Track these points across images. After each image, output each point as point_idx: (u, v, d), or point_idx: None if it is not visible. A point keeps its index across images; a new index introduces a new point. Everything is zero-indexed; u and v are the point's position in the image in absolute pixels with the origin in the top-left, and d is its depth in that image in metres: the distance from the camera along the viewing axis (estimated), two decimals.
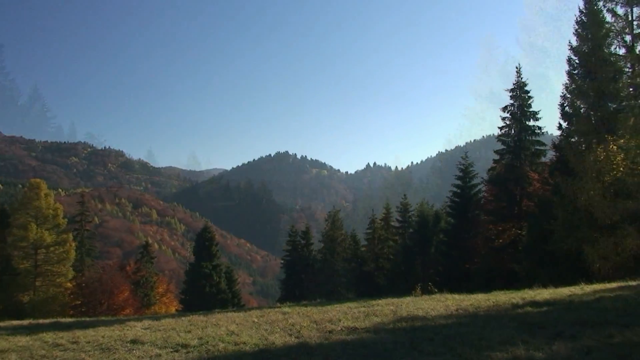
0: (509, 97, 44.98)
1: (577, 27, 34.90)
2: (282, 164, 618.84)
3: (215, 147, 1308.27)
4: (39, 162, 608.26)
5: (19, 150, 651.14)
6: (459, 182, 51.31)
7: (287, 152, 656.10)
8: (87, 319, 27.89)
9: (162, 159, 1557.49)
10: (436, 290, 29.95)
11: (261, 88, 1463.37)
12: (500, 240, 44.23)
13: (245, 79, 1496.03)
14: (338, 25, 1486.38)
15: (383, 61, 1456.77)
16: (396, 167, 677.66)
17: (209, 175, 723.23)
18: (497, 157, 46.62)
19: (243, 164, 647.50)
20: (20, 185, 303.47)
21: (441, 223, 54.08)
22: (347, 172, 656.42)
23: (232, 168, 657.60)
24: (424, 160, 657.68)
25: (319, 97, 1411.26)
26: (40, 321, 24.19)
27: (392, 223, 63.70)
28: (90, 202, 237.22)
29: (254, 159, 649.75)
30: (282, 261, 72.63)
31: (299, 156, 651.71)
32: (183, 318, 20.40)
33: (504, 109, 45.17)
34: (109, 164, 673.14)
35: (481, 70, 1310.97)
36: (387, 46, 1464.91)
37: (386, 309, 18.31)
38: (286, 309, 20.99)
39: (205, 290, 60.41)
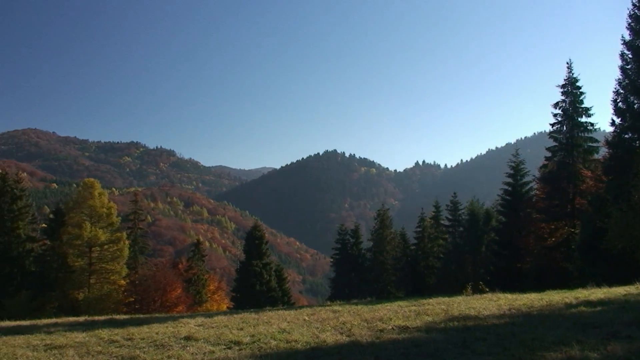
0: (559, 94, 44.16)
1: (630, 21, 33.98)
2: (330, 163, 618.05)
3: (265, 146, 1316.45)
4: (92, 162, 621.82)
5: (74, 151, 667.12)
6: (509, 179, 50.66)
7: (335, 150, 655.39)
8: (141, 316, 28.37)
9: (212, 158, 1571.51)
10: (487, 290, 29.68)
11: (310, 87, 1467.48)
12: (553, 239, 43.57)
13: (294, 78, 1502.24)
14: (392, 24, 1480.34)
15: (433, 60, 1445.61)
16: (445, 164, 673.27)
17: (258, 174, 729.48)
18: (548, 154, 45.83)
19: (292, 163, 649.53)
20: (74, 185, 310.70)
21: (492, 221, 53.49)
22: (395, 171, 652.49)
23: (281, 167, 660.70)
24: (473, 157, 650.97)
25: (368, 95, 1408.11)
26: (96, 318, 24.70)
27: (442, 221, 63.24)
28: (143, 201, 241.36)
29: (302, 158, 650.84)
30: (332, 260, 72.82)
31: (347, 154, 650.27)
32: (235, 315, 20.59)
33: (555, 105, 44.34)
34: (161, 164, 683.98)
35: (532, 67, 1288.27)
36: (438, 46, 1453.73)
37: (437, 308, 18.22)
38: (336, 308, 21.05)
39: (256, 288, 60.88)
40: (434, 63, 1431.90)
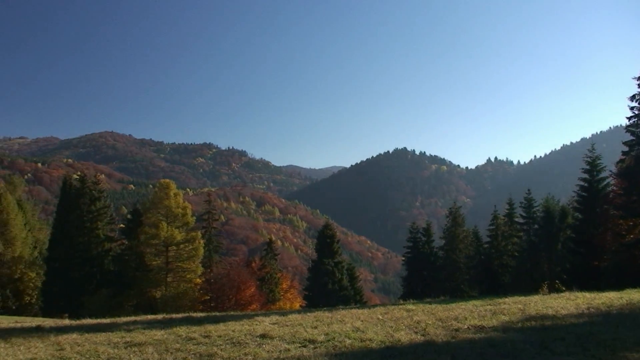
0: (636, 86, 42.64)
1: None
2: (400, 161, 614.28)
3: (335, 145, 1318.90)
4: (167, 163, 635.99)
5: (149, 152, 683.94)
6: (585, 175, 49.32)
7: (405, 148, 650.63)
8: (217, 313, 28.86)
9: (283, 158, 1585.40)
10: (564, 288, 29.07)
11: (378, 84, 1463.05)
12: (631, 236, 42.16)
13: (362, 76, 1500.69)
14: (464, 20, 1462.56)
15: (505, 55, 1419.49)
16: (518, 161, 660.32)
17: (328, 173, 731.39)
18: (625, 148, 44.38)
19: (362, 161, 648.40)
20: (150, 186, 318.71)
21: (568, 218, 52.19)
22: (467, 168, 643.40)
23: (352, 165, 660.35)
24: (547, 153, 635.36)
25: (437, 91, 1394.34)
26: (173, 315, 25.26)
27: (516, 219, 62.03)
28: (216, 201, 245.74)
29: (372, 156, 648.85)
30: (403, 258, 72.35)
31: (417, 152, 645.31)
32: (308, 314, 20.77)
33: (632, 98, 42.79)
34: (233, 164, 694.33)
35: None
36: (511, 42, 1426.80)
37: (514, 308, 17.98)
38: (410, 307, 20.98)
39: (328, 287, 61.10)
40: (505, 59, 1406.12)
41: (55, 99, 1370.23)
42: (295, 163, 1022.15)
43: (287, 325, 17.15)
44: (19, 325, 23.19)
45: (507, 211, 63.23)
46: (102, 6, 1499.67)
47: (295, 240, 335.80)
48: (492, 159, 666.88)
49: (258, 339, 14.83)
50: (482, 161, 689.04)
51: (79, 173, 75.41)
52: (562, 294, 22.77)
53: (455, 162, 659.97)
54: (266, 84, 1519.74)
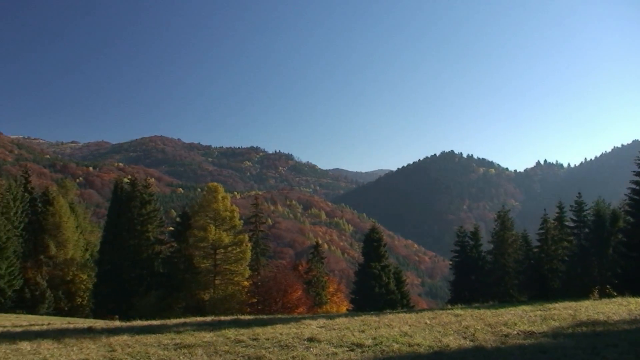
0: None
1: None
2: (447, 164, 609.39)
3: (381, 149, 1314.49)
4: (215, 167, 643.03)
5: (197, 156, 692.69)
6: (637, 178, 48.26)
7: (452, 151, 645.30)
8: (264, 316, 29.00)
9: (329, 162, 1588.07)
10: (615, 294, 28.52)
11: (426, 87, 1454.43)
12: None
13: (409, 79, 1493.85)
14: (512, 24, 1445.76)
15: (554, 57, 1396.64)
16: (568, 163, 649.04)
17: (374, 176, 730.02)
18: None
19: (408, 165, 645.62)
20: (199, 189, 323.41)
21: (619, 222, 51.11)
22: (515, 171, 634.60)
23: (398, 169, 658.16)
24: (598, 156, 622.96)
25: (484, 93, 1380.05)
26: (222, 318, 25.42)
27: (566, 223, 60.99)
28: (263, 204, 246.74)
29: (419, 159, 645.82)
30: (451, 262, 71.67)
31: (464, 155, 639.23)
32: (356, 318, 20.75)
33: None
34: (280, 167, 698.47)
35: None
36: (560, 43, 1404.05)
37: (564, 313, 17.72)
38: (458, 311, 20.82)
39: (375, 290, 60.95)
40: (556, 61, 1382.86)
41: (107, 104, 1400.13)
42: (341, 166, 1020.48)
43: (335, 329, 17.15)
44: (71, 326, 23.66)
45: (557, 215, 62.21)
46: (157, 13, 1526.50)
47: (341, 243, 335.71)
48: (542, 162, 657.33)
49: (306, 342, 14.85)
50: (531, 164, 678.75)
51: (129, 177, 76.84)
52: (614, 300, 22.34)
53: (503, 165, 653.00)
54: (313, 87, 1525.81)
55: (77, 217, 75.57)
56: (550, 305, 20.50)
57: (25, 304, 56.72)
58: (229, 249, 58.89)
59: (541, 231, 60.49)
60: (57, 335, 17.77)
